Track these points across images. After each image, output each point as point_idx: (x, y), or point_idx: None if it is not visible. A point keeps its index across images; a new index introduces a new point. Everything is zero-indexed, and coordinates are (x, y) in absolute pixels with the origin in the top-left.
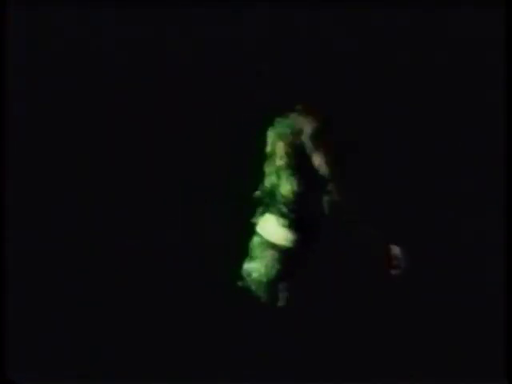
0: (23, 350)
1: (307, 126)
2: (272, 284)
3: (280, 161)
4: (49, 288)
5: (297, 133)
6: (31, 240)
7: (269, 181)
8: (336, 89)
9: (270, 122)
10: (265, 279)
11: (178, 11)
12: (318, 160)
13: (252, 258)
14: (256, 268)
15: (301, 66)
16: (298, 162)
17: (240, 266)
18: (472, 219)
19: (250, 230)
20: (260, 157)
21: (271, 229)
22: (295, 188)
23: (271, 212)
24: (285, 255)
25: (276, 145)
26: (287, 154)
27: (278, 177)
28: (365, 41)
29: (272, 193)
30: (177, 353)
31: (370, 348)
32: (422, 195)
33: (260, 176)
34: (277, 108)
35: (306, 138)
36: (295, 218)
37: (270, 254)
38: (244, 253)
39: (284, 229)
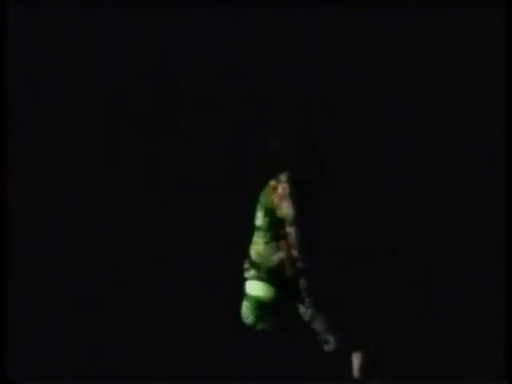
0: (23, 350)
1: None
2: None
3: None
4: (49, 288)
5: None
6: (31, 240)
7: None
8: (336, 89)
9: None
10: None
11: (178, 11)
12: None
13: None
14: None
15: (301, 65)
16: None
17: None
18: (472, 219)
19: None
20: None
21: (249, 282)
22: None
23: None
24: (259, 306)
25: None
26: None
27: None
28: (365, 41)
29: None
30: (177, 353)
31: (370, 348)
32: (422, 195)
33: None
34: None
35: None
36: (270, 274)
37: (244, 305)
38: (244, 253)
39: (258, 281)
